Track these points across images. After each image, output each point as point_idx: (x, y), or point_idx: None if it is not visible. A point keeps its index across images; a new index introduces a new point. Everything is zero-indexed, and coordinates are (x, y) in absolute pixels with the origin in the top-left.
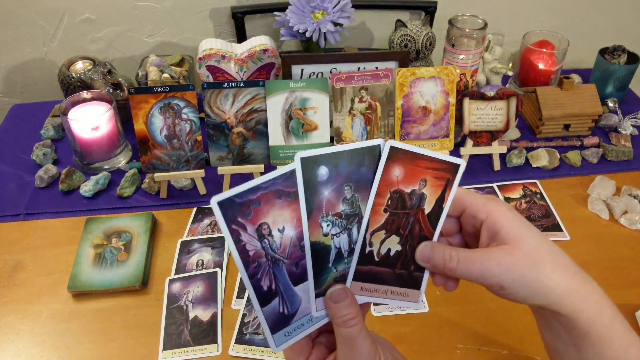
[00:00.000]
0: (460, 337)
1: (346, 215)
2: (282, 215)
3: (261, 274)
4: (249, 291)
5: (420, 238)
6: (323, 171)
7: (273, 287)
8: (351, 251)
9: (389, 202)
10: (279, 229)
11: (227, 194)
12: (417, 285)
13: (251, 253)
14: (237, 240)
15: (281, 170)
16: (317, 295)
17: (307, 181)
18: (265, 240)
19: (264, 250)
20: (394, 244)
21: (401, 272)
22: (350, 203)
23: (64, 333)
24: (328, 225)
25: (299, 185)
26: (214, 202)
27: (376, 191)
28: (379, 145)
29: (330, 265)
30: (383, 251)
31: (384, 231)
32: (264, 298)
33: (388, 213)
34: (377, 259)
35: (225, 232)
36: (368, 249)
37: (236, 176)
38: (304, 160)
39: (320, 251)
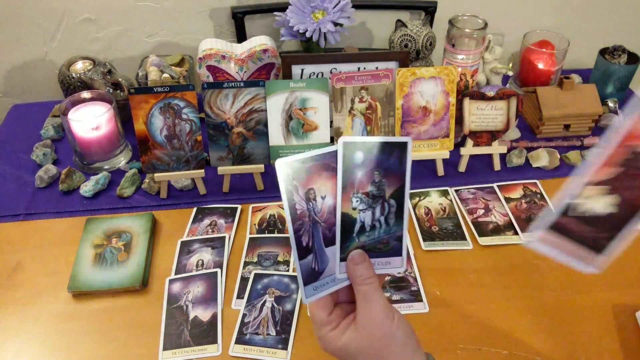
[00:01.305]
0: (460, 337)
1: (372, 195)
2: (325, 185)
3: (303, 231)
4: (292, 244)
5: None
6: (359, 155)
7: (310, 244)
8: (373, 227)
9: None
10: (321, 196)
11: (288, 158)
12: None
13: (298, 212)
14: (290, 199)
15: (330, 148)
16: (341, 260)
17: (345, 161)
18: (310, 203)
19: (307, 211)
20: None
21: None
22: (377, 186)
23: (64, 333)
24: (357, 201)
25: (338, 164)
26: (279, 163)
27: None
28: (407, 142)
29: (354, 235)
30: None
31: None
32: (302, 252)
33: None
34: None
35: (282, 190)
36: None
37: (236, 176)
38: (345, 144)
39: (347, 221)
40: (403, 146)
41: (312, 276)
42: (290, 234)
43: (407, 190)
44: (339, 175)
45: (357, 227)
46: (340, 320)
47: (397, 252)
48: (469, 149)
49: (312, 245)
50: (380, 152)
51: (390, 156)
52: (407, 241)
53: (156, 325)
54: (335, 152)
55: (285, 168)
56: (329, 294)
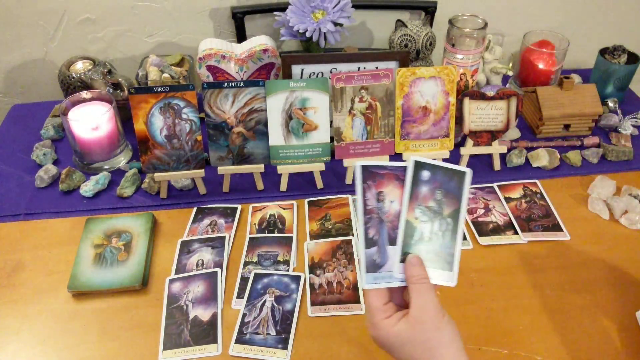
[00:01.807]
0: (461, 337)
1: (433, 211)
2: (394, 191)
3: (371, 224)
4: (360, 234)
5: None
6: (426, 174)
7: (375, 237)
8: (430, 238)
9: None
10: (390, 200)
11: (368, 162)
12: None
13: (368, 207)
14: (364, 196)
15: (403, 163)
16: (400, 261)
17: (414, 176)
18: (380, 203)
19: (376, 209)
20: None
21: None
22: (438, 203)
23: (64, 333)
24: (420, 212)
25: (407, 176)
26: (358, 164)
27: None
28: (466, 172)
29: (413, 241)
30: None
31: None
32: (368, 242)
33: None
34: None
35: (358, 186)
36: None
37: (236, 176)
38: (415, 163)
39: (409, 228)
40: (463, 174)
41: (373, 267)
42: (359, 224)
43: (462, 214)
44: (407, 186)
45: (417, 235)
46: (393, 312)
47: (449, 267)
48: (469, 149)
49: (377, 240)
50: (443, 174)
51: (451, 180)
52: (458, 259)
53: (156, 325)
54: (405, 167)
55: (362, 169)
56: (385, 287)
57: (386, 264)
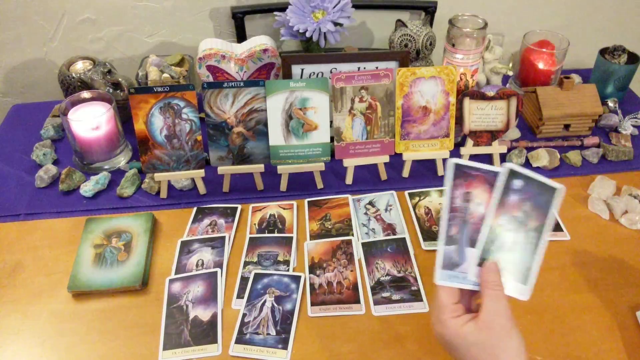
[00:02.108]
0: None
1: (519, 221)
2: (483, 195)
3: (454, 223)
4: (441, 230)
5: None
6: (518, 183)
7: (456, 236)
8: (511, 248)
9: None
10: (477, 202)
11: (462, 161)
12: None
13: (454, 205)
14: (452, 193)
15: (496, 168)
16: (477, 264)
17: (506, 183)
18: (466, 203)
19: (462, 209)
20: None
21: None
22: (525, 214)
23: (64, 333)
24: (506, 220)
25: (498, 182)
26: (453, 161)
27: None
28: (558, 189)
29: (494, 248)
30: None
31: None
32: (448, 240)
33: None
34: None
35: (448, 183)
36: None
37: (236, 176)
38: (510, 171)
39: (492, 233)
40: (554, 191)
41: (449, 264)
42: (442, 219)
43: (547, 230)
44: (497, 192)
45: (498, 242)
46: (462, 313)
47: (524, 280)
48: (469, 149)
49: (457, 239)
50: (536, 187)
51: (542, 195)
52: (535, 274)
53: (156, 325)
54: (498, 173)
55: (455, 167)
56: (457, 288)
57: (463, 265)
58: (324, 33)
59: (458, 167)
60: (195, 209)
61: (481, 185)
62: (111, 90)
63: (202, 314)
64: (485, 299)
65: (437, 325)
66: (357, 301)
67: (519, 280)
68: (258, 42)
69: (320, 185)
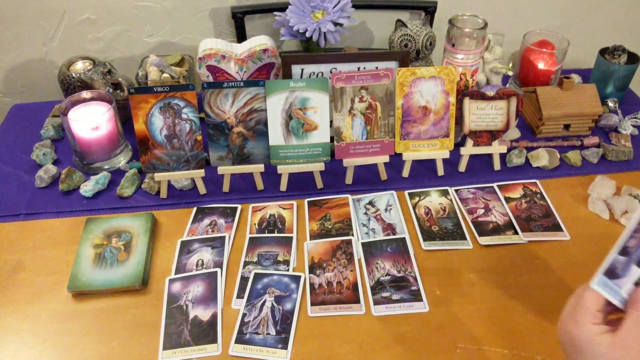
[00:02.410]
0: (460, 337)
1: None
2: None
3: (636, 236)
4: (621, 238)
5: None
6: None
7: (631, 250)
8: None
9: None
10: None
11: None
12: None
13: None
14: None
15: None
16: (634, 283)
17: None
18: None
19: None
20: None
21: None
22: None
23: (64, 333)
24: None
25: None
26: None
27: None
28: None
29: None
30: None
31: None
32: (623, 250)
33: None
34: None
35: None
36: None
37: (236, 176)
38: None
39: None
40: None
41: (611, 273)
42: (627, 229)
43: None
44: None
45: None
46: (601, 322)
47: None
48: (469, 149)
49: (632, 253)
50: None
51: None
52: None
53: (156, 325)
54: None
55: None
56: (607, 299)
57: (622, 279)
58: (324, 33)
59: None
60: (195, 209)
61: None
62: (111, 90)
63: (202, 313)
64: (629, 318)
65: (571, 324)
66: (357, 301)
67: None
68: (258, 42)
69: (320, 185)
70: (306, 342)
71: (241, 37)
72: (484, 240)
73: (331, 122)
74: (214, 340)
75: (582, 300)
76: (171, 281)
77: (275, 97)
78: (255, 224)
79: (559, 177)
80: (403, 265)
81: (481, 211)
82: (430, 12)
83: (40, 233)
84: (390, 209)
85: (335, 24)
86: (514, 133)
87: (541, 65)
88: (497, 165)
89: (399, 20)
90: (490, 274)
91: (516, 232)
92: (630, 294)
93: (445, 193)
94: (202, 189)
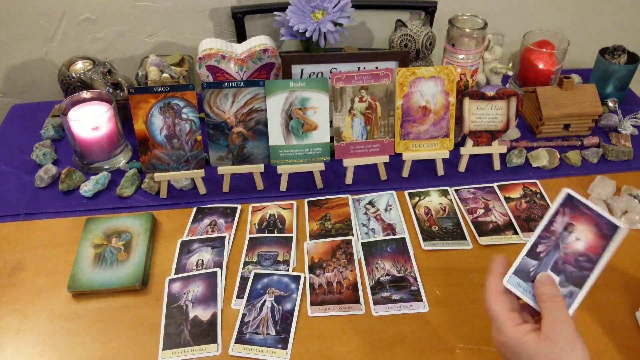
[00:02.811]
0: (460, 337)
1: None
2: (585, 233)
3: (544, 242)
4: (530, 241)
5: None
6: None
7: (542, 255)
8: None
9: None
10: (576, 236)
11: (576, 195)
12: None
13: (552, 228)
14: (553, 217)
15: (614, 220)
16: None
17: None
18: (565, 232)
19: (559, 234)
20: None
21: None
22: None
23: (64, 333)
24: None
25: (615, 240)
26: (566, 191)
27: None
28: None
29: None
30: None
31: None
32: (533, 254)
33: None
34: None
35: (554, 206)
36: None
37: (236, 176)
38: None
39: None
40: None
41: (524, 275)
42: (535, 233)
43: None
44: (609, 251)
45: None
46: (521, 321)
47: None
48: (468, 149)
49: (543, 259)
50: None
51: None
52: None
53: (156, 325)
54: (610, 222)
55: (566, 196)
56: (517, 297)
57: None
58: (324, 33)
59: (569, 197)
60: (195, 209)
61: (588, 225)
62: (111, 90)
63: (202, 313)
64: (544, 312)
65: (497, 335)
66: (357, 301)
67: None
68: (258, 42)
69: (320, 185)
70: (306, 342)
71: (241, 37)
72: (484, 240)
73: (331, 122)
74: (214, 340)
75: (492, 312)
76: (171, 281)
77: (275, 97)
78: (255, 224)
79: (559, 177)
80: (403, 265)
81: (481, 211)
82: (430, 12)
83: (40, 233)
84: (390, 209)
85: (335, 24)
86: (514, 133)
87: (541, 65)
88: (497, 165)
89: (399, 20)
90: None
91: (516, 232)
92: (535, 289)
93: (445, 193)
94: (202, 189)
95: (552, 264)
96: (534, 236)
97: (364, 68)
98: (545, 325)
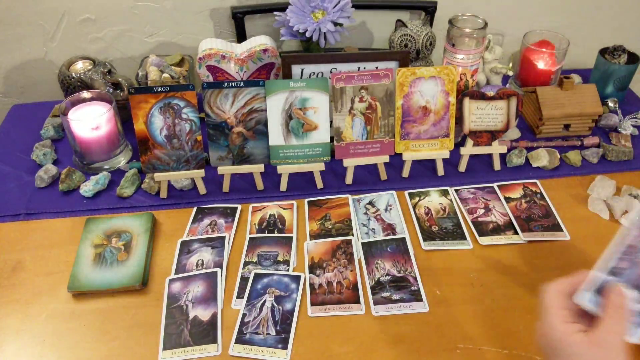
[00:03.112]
0: (460, 337)
1: None
2: None
3: (628, 258)
4: (609, 259)
5: None
6: None
7: (621, 271)
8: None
9: None
10: None
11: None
12: None
13: (633, 244)
14: (636, 230)
15: None
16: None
17: None
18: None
19: (638, 249)
20: None
21: None
22: None
23: (64, 333)
24: None
25: None
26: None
27: None
28: None
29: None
30: None
31: None
32: (613, 270)
33: None
34: None
35: (636, 219)
36: None
37: (236, 176)
38: None
39: None
40: None
41: (596, 289)
42: (616, 249)
43: None
44: None
45: None
46: (572, 320)
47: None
48: (469, 149)
49: (621, 274)
50: None
51: None
52: None
53: (156, 325)
54: None
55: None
56: (579, 305)
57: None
58: (324, 33)
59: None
60: (195, 209)
61: None
62: (111, 90)
63: (202, 313)
64: (605, 318)
65: (544, 327)
66: (357, 301)
67: (636, 324)
68: (258, 42)
69: (320, 185)
70: (306, 342)
71: (241, 37)
72: (484, 240)
73: (331, 122)
74: (214, 341)
75: (544, 302)
76: (171, 281)
77: (275, 97)
78: (255, 224)
79: (559, 177)
80: (403, 265)
81: (481, 211)
82: (430, 12)
83: (40, 233)
84: (390, 209)
85: (335, 24)
86: (514, 133)
87: (541, 65)
88: (497, 165)
89: (399, 20)
90: (490, 274)
91: (516, 232)
92: (608, 297)
93: (445, 193)
94: (202, 189)
95: (631, 280)
96: (614, 255)
97: (364, 68)
98: (600, 330)
